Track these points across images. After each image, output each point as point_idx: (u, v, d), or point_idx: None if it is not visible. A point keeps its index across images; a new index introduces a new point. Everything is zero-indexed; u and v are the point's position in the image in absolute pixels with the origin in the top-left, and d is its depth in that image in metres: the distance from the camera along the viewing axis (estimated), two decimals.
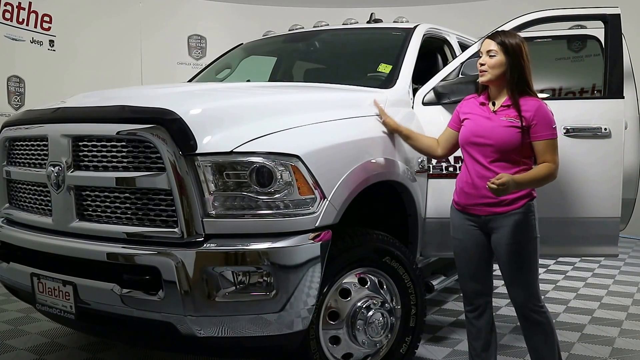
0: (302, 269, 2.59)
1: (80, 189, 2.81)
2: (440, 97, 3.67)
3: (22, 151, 3.14)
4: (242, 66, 4.87)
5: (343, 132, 3.04)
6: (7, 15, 7.79)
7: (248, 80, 4.51)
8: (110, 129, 2.66)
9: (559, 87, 5.08)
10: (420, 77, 3.89)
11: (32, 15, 8.04)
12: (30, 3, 8.01)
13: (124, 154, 2.66)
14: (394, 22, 4.64)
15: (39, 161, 3.00)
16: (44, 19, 8.14)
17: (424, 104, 3.69)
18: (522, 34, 3.99)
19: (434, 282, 3.75)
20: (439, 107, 3.67)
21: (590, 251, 3.87)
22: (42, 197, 3.03)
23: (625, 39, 3.72)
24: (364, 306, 2.99)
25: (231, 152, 2.53)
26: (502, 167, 2.81)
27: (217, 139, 2.56)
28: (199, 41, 9.67)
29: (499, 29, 2.94)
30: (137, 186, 2.63)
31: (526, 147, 2.81)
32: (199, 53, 9.65)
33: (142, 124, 2.57)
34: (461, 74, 3.54)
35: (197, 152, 2.50)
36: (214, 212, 2.52)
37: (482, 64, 2.88)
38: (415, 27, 4.25)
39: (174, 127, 2.52)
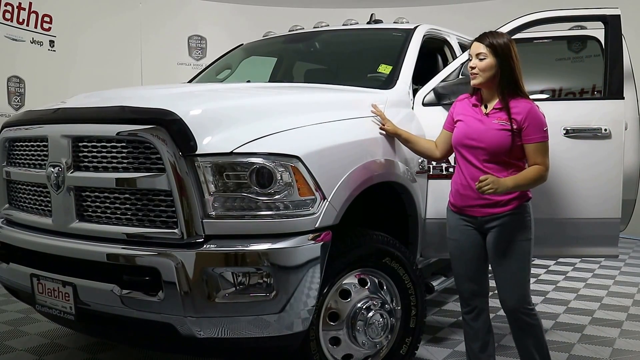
0: (302, 270, 2.59)
1: (80, 190, 2.81)
2: (440, 98, 3.67)
3: (22, 152, 3.14)
4: (243, 67, 4.87)
5: (343, 133, 3.03)
6: (8, 15, 7.78)
7: (248, 81, 4.50)
8: (110, 129, 2.66)
9: (559, 88, 5.08)
10: (420, 78, 3.89)
11: (33, 16, 8.03)
12: (30, 3, 8.01)
13: (124, 154, 2.66)
14: (394, 22, 4.64)
15: (39, 162, 3.00)
16: (44, 20, 8.14)
17: (424, 104, 3.69)
18: (523, 35, 4.02)
19: (434, 283, 3.75)
20: (439, 108, 3.67)
21: (591, 252, 3.87)
22: (42, 198, 3.03)
23: (625, 39, 3.72)
24: (364, 307, 2.99)
25: (231, 153, 2.53)
26: (495, 169, 2.81)
27: (217, 140, 2.56)
28: (199, 42, 9.67)
29: (487, 31, 2.93)
30: (137, 187, 2.62)
31: (518, 149, 2.81)
32: (199, 53, 9.65)
33: (142, 124, 2.57)
34: (461, 75, 3.54)
35: (197, 152, 2.50)
36: (214, 212, 2.52)
37: (472, 67, 2.87)
38: (416, 27, 4.25)
39: (174, 127, 2.51)
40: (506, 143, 2.78)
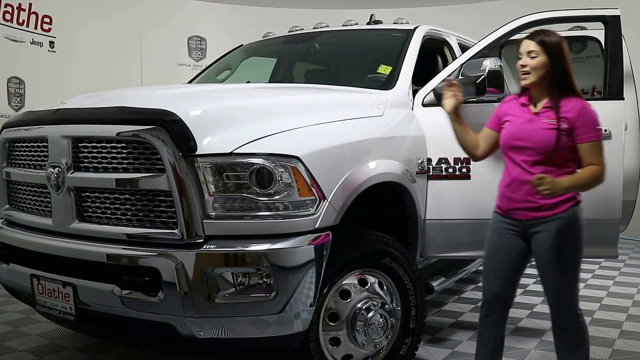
0: (302, 270, 2.59)
1: (80, 190, 2.81)
2: (440, 99, 3.65)
3: (22, 152, 3.14)
4: (242, 67, 4.87)
5: (343, 133, 3.04)
6: (7, 16, 7.78)
7: (248, 82, 4.51)
8: (110, 130, 2.66)
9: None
10: (420, 79, 3.89)
11: (33, 17, 8.03)
12: (30, 4, 8.01)
13: (124, 155, 2.66)
14: (394, 23, 4.65)
15: (39, 162, 3.00)
16: (44, 20, 8.14)
17: (424, 105, 3.69)
18: (523, 35, 4.02)
19: (434, 284, 3.75)
20: (439, 108, 3.66)
21: (590, 252, 3.85)
22: (42, 199, 3.03)
23: (625, 40, 3.73)
24: (363, 307, 2.99)
25: (231, 154, 2.54)
26: (544, 170, 2.69)
27: (217, 140, 2.56)
28: (199, 42, 9.68)
29: (538, 29, 2.82)
30: (137, 187, 2.63)
31: (569, 150, 2.70)
32: (199, 54, 9.65)
33: (142, 125, 2.57)
34: (461, 75, 3.54)
35: (197, 153, 2.50)
36: (213, 213, 2.52)
37: (523, 66, 2.76)
38: (415, 28, 4.25)
39: (174, 128, 2.52)
40: (555, 143, 2.68)
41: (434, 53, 4.49)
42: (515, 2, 8.14)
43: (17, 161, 3.19)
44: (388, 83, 3.78)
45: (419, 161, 3.49)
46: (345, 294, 2.99)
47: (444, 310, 4.77)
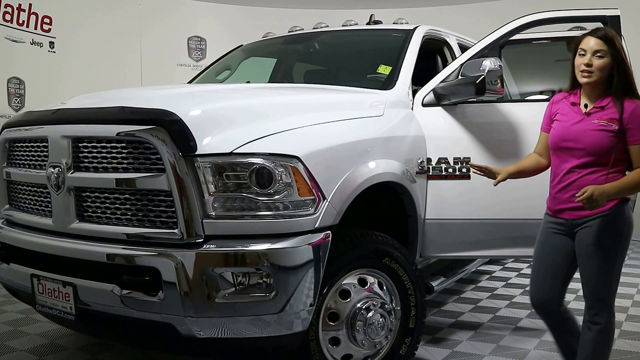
0: (302, 270, 2.59)
1: (80, 190, 2.82)
2: (440, 99, 3.68)
3: (22, 152, 3.14)
4: (242, 67, 4.88)
5: (343, 133, 3.04)
6: (7, 17, 7.78)
7: (248, 82, 4.51)
8: (110, 130, 2.67)
9: (559, 89, 5.08)
10: (419, 79, 3.90)
11: (32, 17, 8.03)
12: (30, 5, 8.00)
13: (123, 155, 2.66)
14: (393, 23, 4.65)
15: (39, 162, 3.00)
16: (44, 21, 8.14)
17: (424, 105, 3.69)
18: (522, 36, 4.03)
19: (434, 284, 3.75)
20: (439, 109, 3.68)
21: None
22: (42, 199, 3.03)
23: (625, 40, 3.73)
24: (363, 307, 2.99)
25: (231, 154, 2.54)
26: (592, 171, 2.67)
27: (217, 140, 2.57)
28: (199, 42, 9.67)
29: (599, 26, 2.76)
30: (137, 187, 2.63)
31: (620, 151, 2.66)
32: (199, 54, 9.65)
33: (142, 125, 2.57)
34: (461, 75, 3.55)
35: (197, 153, 2.51)
36: (213, 213, 2.53)
37: (588, 65, 2.66)
38: (415, 28, 4.25)
39: (173, 128, 2.52)
40: (606, 144, 2.64)
41: (434, 53, 4.49)
42: (515, 2, 8.14)
43: (17, 161, 3.19)
44: (388, 83, 3.78)
45: (419, 161, 3.50)
46: (345, 294, 3.00)
47: (444, 310, 4.77)
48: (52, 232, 2.93)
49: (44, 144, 2.93)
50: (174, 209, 2.54)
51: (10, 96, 7.84)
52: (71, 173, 2.79)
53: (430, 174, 3.58)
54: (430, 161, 3.58)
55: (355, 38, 4.77)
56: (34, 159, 3.05)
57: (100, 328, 3.00)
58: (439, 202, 3.60)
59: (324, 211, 2.69)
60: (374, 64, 4.12)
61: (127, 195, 2.68)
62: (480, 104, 3.69)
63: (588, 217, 2.73)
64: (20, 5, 7.91)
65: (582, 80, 2.72)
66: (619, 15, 3.62)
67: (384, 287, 3.16)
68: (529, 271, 6.10)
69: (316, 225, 2.66)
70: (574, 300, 4.76)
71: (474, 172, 2.99)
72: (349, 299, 2.99)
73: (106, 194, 2.74)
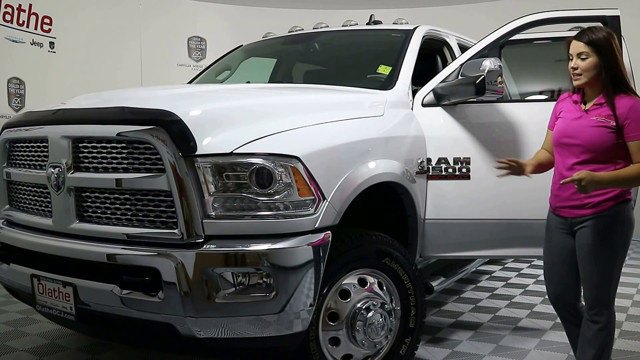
0: (302, 270, 2.59)
1: (80, 191, 2.82)
2: (439, 99, 3.68)
3: (22, 153, 3.15)
4: (242, 68, 4.88)
5: (343, 133, 3.04)
6: (8, 17, 7.78)
7: (248, 82, 4.51)
8: (110, 130, 2.67)
9: (559, 89, 5.08)
10: (419, 79, 3.90)
11: (33, 17, 8.03)
12: (30, 5, 8.01)
13: (124, 155, 2.66)
14: (393, 23, 4.65)
15: (39, 163, 3.00)
16: (44, 21, 8.14)
17: (424, 105, 3.70)
18: (521, 36, 4.03)
19: (434, 283, 3.75)
20: (439, 109, 3.68)
21: None
22: (42, 199, 3.03)
23: (625, 40, 3.73)
24: (363, 307, 2.99)
25: (231, 154, 2.54)
26: (592, 168, 2.66)
27: (217, 140, 2.57)
28: (199, 43, 9.67)
29: (585, 27, 2.78)
30: (137, 187, 2.63)
31: (619, 148, 2.67)
32: (199, 55, 9.65)
33: (142, 125, 2.57)
34: (460, 76, 3.55)
35: (197, 153, 2.51)
36: (213, 213, 2.53)
37: (574, 68, 2.74)
38: (415, 28, 4.26)
39: (173, 128, 2.52)
40: (603, 140, 2.66)
41: (434, 53, 4.49)
42: (515, 2, 8.14)
43: (18, 161, 3.20)
44: (388, 83, 3.78)
45: (419, 161, 3.50)
46: (345, 294, 3.00)
47: (444, 310, 4.77)
48: (52, 232, 2.93)
49: (44, 144, 2.93)
50: (174, 209, 2.54)
51: (10, 96, 7.84)
52: (71, 173, 2.80)
53: (430, 174, 3.58)
54: (430, 161, 3.58)
55: (355, 38, 4.77)
56: (34, 159, 3.05)
57: (101, 328, 3.00)
58: (439, 202, 3.60)
59: (324, 211, 2.69)
60: (373, 64, 4.12)
61: (127, 196, 2.68)
62: (480, 104, 3.69)
63: (587, 216, 2.75)
64: (20, 5, 7.91)
65: (574, 83, 2.78)
66: (618, 16, 3.62)
67: (384, 287, 3.16)
68: (529, 271, 6.14)
69: (316, 226, 2.66)
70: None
71: (499, 168, 2.96)
72: (349, 299, 2.99)
73: (106, 194, 2.74)
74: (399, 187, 3.32)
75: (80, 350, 3.81)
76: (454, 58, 4.29)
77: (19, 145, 3.17)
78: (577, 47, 2.74)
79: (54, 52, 8.24)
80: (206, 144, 2.54)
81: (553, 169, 2.94)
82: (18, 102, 7.90)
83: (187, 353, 3.02)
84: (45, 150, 2.92)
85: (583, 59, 2.72)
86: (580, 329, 2.94)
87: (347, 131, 3.09)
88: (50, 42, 8.20)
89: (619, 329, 4.30)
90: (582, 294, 2.94)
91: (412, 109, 3.68)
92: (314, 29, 4.99)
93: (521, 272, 6.19)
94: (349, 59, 4.62)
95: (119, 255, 2.64)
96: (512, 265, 6.50)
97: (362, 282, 3.07)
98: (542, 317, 4.55)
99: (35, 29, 8.07)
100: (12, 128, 3.21)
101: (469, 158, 3.60)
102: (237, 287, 2.54)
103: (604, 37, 2.69)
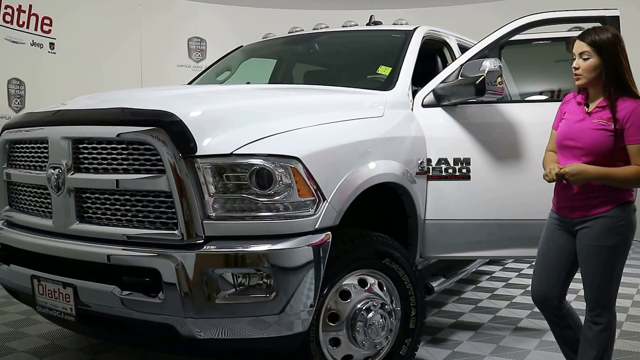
0: (302, 271, 2.59)
1: (81, 191, 2.82)
2: (439, 99, 3.68)
3: (22, 153, 3.15)
4: (242, 68, 4.88)
5: (343, 134, 3.04)
6: (8, 18, 7.78)
7: (248, 83, 4.51)
8: (110, 131, 2.67)
9: (559, 89, 5.09)
10: (419, 79, 3.90)
11: (33, 18, 8.03)
12: (30, 6, 8.01)
13: (124, 156, 2.66)
14: (393, 24, 4.65)
15: (39, 163, 3.00)
16: (44, 22, 8.14)
17: (424, 106, 3.70)
18: (521, 36, 4.03)
19: (434, 284, 3.75)
20: (439, 109, 3.68)
21: None
22: (42, 200, 3.04)
23: (624, 41, 3.73)
24: (363, 308, 2.99)
25: (231, 154, 2.54)
26: None
27: (217, 141, 2.57)
28: (199, 43, 9.67)
29: (590, 28, 2.77)
30: (137, 188, 2.63)
31: (620, 151, 2.66)
32: (199, 55, 9.65)
33: (142, 126, 2.57)
34: (461, 76, 3.55)
35: (197, 154, 2.51)
36: (213, 214, 2.53)
37: (576, 68, 2.73)
38: (415, 29, 4.26)
39: (173, 129, 2.52)
40: (604, 143, 2.65)
41: (434, 54, 4.49)
42: (514, 3, 8.15)
43: (18, 162, 3.20)
44: (388, 84, 3.78)
45: (419, 162, 3.50)
46: (345, 295, 3.00)
47: (444, 310, 4.77)
48: (53, 233, 2.93)
49: (44, 145, 2.93)
50: (174, 210, 2.55)
51: (10, 97, 7.84)
52: (71, 174, 2.80)
53: (430, 174, 3.59)
54: (430, 162, 3.58)
55: (355, 39, 4.77)
56: (34, 160, 3.05)
57: (101, 329, 3.00)
58: (439, 202, 3.60)
59: (324, 212, 2.69)
60: (373, 64, 4.12)
61: (127, 197, 2.68)
62: (480, 105, 3.69)
63: (588, 217, 2.75)
64: (20, 6, 7.91)
65: (576, 83, 2.76)
66: (618, 16, 3.62)
67: (384, 288, 3.16)
68: (529, 271, 6.14)
69: (316, 226, 2.66)
70: (575, 300, 4.76)
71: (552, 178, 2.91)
72: (349, 300, 2.99)
73: (106, 195, 2.74)
74: (399, 187, 3.32)
75: (81, 351, 3.81)
76: (454, 58, 4.29)
77: (19, 146, 3.17)
78: (579, 46, 2.73)
79: (54, 52, 8.24)
80: (206, 144, 2.54)
81: None
82: (18, 103, 7.90)
83: (188, 354, 3.01)
84: (46, 151, 2.92)
85: (585, 60, 2.71)
86: (560, 327, 2.98)
87: (348, 132, 3.10)
88: (50, 43, 8.20)
89: (619, 329, 4.30)
90: (566, 294, 2.95)
91: (412, 109, 3.69)
92: (314, 29, 4.99)
93: (521, 272, 6.19)
94: (349, 60, 4.62)
95: (119, 256, 2.64)
96: (512, 265, 6.50)
97: (363, 283, 3.07)
98: (542, 318, 4.50)
99: (35, 29, 8.07)
100: (12, 129, 3.21)
101: (469, 158, 3.60)
102: (238, 288, 2.54)
103: (607, 39, 2.68)
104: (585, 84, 2.75)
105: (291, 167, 2.59)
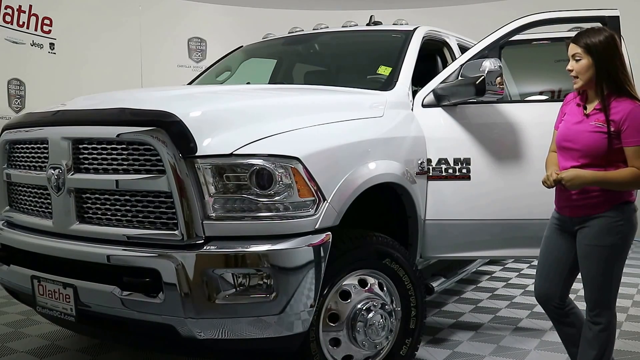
0: (302, 271, 2.59)
1: (81, 192, 2.82)
2: (439, 99, 3.68)
3: (22, 154, 3.15)
4: (242, 69, 4.88)
5: (343, 134, 3.04)
6: (8, 18, 7.78)
7: (248, 83, 4.51)
8: (110, 131, 2.67)
9: (559, 89, 5.08)
10: (419, 80, 3.90)
11: (33, 18, 8.03)
12: (30, 6, 8.00)
13: (124, 156, 2.66)
14: (393, 24, 4.65)
15: (40, 164, 3.00)
16: (45, 22, 8.14)
17: (424, 106, 3.70)
18: (521, 36, 4.03)
19: (434, 284, 3.75)
20: (439, 109, 3.68)
21: None
22: (42, 200, 3.04)
23: (624, 40, 3.73)
24: (364, 308, 2.99)
25: (231, 155, 2.54)
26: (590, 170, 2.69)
27: (217, 142, 2.57)
28: (199, 44, 9.67)
29: (586, 29, 2.79)
30: (137, 188, 2.63)
31: (616, 152, 2.66)
32: (199, 55, 9.65)
33: (142, 126, 2.57)
34: (460, 76, 3.55)
35: (197, 154, 2.51)
36: (214, 214, 2.53)
37: (570, 70, 2.75)
38: (415, 29, 4.26)
39: (174, 129, 2.52)
40: (601, 145, 2.65)
41: (434, 54, 4.49)
42: (515, 3, 8.14)
43: (18, 163, 3.20)
44: (388, 84, 3.78)
45: (419, 162, 3.50)
46: (345, 295, 3.00)
47: (444, 310, 4.77)
48: (53, 233, 2.93)
49: (44, 145, 2.93)
50: (174, 211, 2.55)
51: (10, 97, 7.84)
52: (71, 174, 2.80)
53: (431, 174, 3.59)
54: (431, 162, 3.58)
55: (355, 39, 4.77)
56: (34, 160, 3.05)
57: (101, 329, 3.00)
58: (439, 202, 3.60)
59: (324, 212, 2.69)
60: (374, 65, 4.12)
61: (127, 197, 2.68)
62: (480, 105, 3.69)
63: (588, 217, 2.76)
64: (20, 6, 7.91)
65: (574, 86, 2.79)
66: (618, 16, 3.62)
67: (385, 288, 3.16)
68: (529, 271, 6.14)
69: (316, 226, 2.66)
70: (575, 300, 4.73)
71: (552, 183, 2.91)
72: (349, 300, 2.99)
73: (106, 196, 2.74)
74: (399, 187, 3.32)
75: (81, 352, 3.81)
76: (454, 59, 4.29)
77: (19, 146, 3.17)
78: (572, 48, 2.75)
79: (54, 53, 8.24)
80: (206, 145, 2.54)
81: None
82: (18, 103, 7.90)
83: (188, 354, 3.01)
84: (46, 151, 2.92)
85: (577, 61, 2.73)
86: (563, 324, 2.99)
87: (348, 132, 3.10)
88: (50, 43, 8.20)
89: (619, 329, 4.30)
90: (569, 295, 2.97)
91: (412, 109, 3.69)
92: (314, 29, 4.99)
93: (521, 272, 6.19)
94: (349, 60, 4.62)
95: (119, 257, 2.64)
96: (512, 265, 6.50)
97: (363, 283, 3.07)
98: (542, 318, 4.54)
99: (36, 30, 8.07)
100: (12, 129, 3.21)
101: (469, 158, 3.60)
102: (238, 288, 2.54)
103: (599, 39, 2.68)
104: (582, 86, 2.76)
105: (291, 167, 2.59)
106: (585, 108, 2.79)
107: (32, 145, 3.05)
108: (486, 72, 3.37)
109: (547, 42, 4.43)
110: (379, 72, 4.00)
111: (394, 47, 4.10)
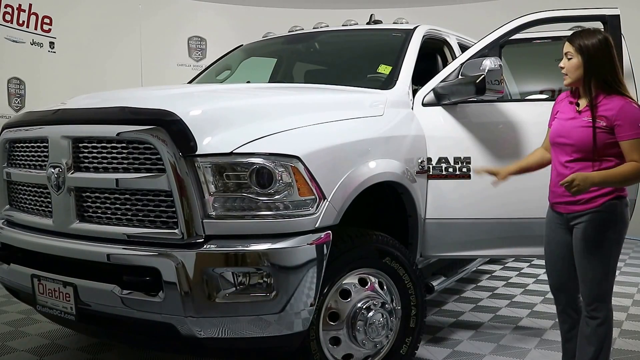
0: (302, 270, 2.59)
1: (81, 191, 2.82)
2: (440, 98, 3.68)
3: (22, 153, 3.14)
4: (242, 67, 4.88)
5: (343, 133, 3.04)
6: (8, 17, 7.78)
7: (248, 82, 4.51)
8: (110, 130, 2.67)
9: (559, 88, 5.08)
10: (420, 78, 3.90)
11: (33, 17, 8.03)
12: (30, 5, 8.01)
13: (124, 155, 2.66)
14: (393, 23, 4.65)
15: (40, 163, 3.00)
16: (44, 21, 8.14)
17: (424, 105, 3.69)
18: (521, 35, 4.02)
19: (434, 283, 3.75)
20: (439, 108, 3.68)
21: None
22: (42, 199, 3.03)
23: (625, 39, 3.73)
24: (364, 307, 2.99)
25: (231, 153, 2.54)
26: (582, 166, 2.76)
27: (217, 140, 2.57)
28: (199, 43, 9.67)
29: (579, 30, 2.88)
30: (137, 187, 2.63)
31: (608, 147, 2.72)
32: (199, 54, 9.65)
33: (142, 125, 2.57)
34: (461, 75, 3.55)
35: (197, 153, 2.51)
36: (214, 213, 2.53)
37: (562, 68, 2.84)
38: (415, 28, 4.26)
39: (174, 128, 2.52)
40: (593, 141, 2.72)
41: (434, 53, 4.49)
42: (515, 2, 8.13)
43: (18, 161, 3.19)
44: (388, 83, 3.78)
45: (419, 161, 3.50)
46: (345, 294, 3.00)
47: (444, 309, 4.77)
48: (53, 232, 2.93)
49: (44, 144, 2.93)
50: (174, 209, 2.54)
51: (10, 96, 7.84)
52: (71, 173, 2.80)
53: (431, 173, 3.58)
54: (431, 161, 3.58)
55: (355, 38, 4.77)
56: (34, 159, 3.05)
57: (101, 328, 3.00)
58: (440, 201, 3.60)
59: (325, 211, 2.69)
60: (374, 63, 4.12)
61: (127, 196, 2.68)
62: (481, 104, 3.69)
63: (580, 212, 2.81)
64: (20, 5, 7.91)
65: (564, 82, 2.87)
66: (618, 15, 3.62)
67: (385, 287, 3.16)
68: (529, 270, 6.14)
69: (317, 225, 2.66)
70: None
71: (477, 174, 3.05)
72: (349, 299, 2.99)
73: (106, 194, 2.74)
74: (399, 186, 3.32)
75: (81, 351, 3.81)
76: (454, 57, 4.29)
77: (19, 145, 3.17)
78: (566, 47, 2.84)
79: (54, 52, 8.24)
80: (206, 143, 2.54)
81: (550, 166, 3.00)
82: (18, 102, 7.90)
83: (188, 353, 3.02)
84: (46, 150, 2.92)
85: (569, 59, 2.82)
86: (572, 321, 3.02)
87: (348, 131, 3.09)
88: (50, 42, 8.20)
89: (619, 328, 4.30)
90: (575, 289, 2.98)
91: (412, 108, 3.68)
92: (314, 28, 4.99)
93: (521, 271, 6.19)
94: (349, 59, 4.62)
95: (119, 255, 2.64)
96: (512, 264, 6.50)
97: (363, 282, 3.07)
98: (542, 317, 4.55)
99: (35, 29, 8.07)
100: (12, 128, 3.21)
101: (470, 157, 3.60)
102: (238, 287, 2.54)
103: (591, 42, 2.76)
104: (570, 83, 2.85)
105: (291, 166, 2.59)
106: (577, 105, 2.85)
107: (32, 144, 3.05)
108: (486, 71, 3.37)
109: (547, 41, 4.42)
110: (379, 71, 4.00)
111: (394, 46, 4.10)
